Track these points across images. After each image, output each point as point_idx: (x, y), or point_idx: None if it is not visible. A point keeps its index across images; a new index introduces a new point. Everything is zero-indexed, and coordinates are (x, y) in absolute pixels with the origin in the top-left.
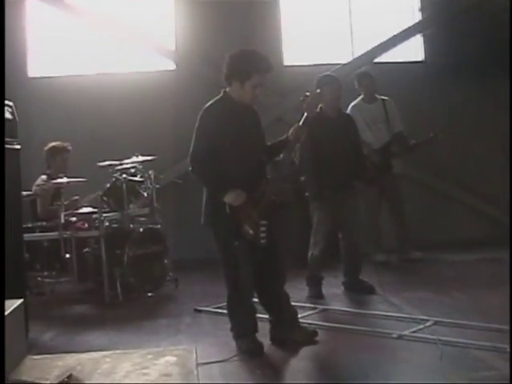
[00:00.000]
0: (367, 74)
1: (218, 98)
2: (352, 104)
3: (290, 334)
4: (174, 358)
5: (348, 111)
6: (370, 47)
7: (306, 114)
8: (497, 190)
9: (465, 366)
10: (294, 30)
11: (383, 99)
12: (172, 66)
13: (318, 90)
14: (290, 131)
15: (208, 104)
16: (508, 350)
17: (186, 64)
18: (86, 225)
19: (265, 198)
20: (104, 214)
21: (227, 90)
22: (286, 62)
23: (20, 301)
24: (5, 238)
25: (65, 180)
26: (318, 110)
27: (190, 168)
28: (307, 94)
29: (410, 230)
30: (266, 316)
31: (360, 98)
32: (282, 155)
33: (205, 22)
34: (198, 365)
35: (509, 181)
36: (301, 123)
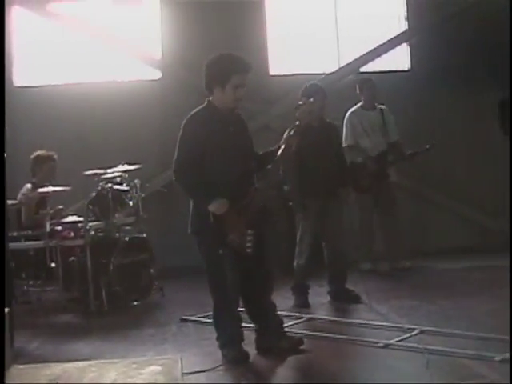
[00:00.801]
0: (370, 80)
1: (202, 106)
2: (351, 110)
3: (275, 343)
4: (160, 368)
5: (346, 117)
6: (355, 56)
7: (297, 123)
8: (484, 198)
9: (451, 375)
10: (280, 39)
11: (381, 108)
12: (158, 75)
13: (312, 99)
14: (282, 140)
15: (192, 112)
16: (496, 358)
17: (172, 72)
18: (72, 233)
19: (252, 206)
20: (90, 223)
21: (210, 98)
22: (272, 72)
23: (6, 310)
24: None
25: (50, 189)
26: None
27: (174, 177)
28: (300, 102)
29: (401, 239)
30: (252, 325)
31: (359, 104)
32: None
33: (191, 30)
34: (183, 374)
35: (508, 184)
36: (292, 132)
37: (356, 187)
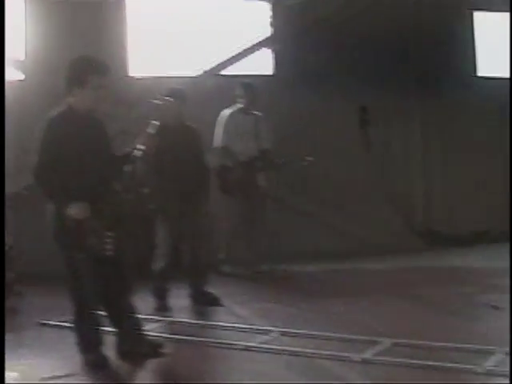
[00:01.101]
0: (252, 85)
1: (60, 109)
2: (227, 112)
3: (135, 347)
4: (16, 374)
5: (221, 118)
6: (219, 60)
7: (155, 123)
8: (343, 202)
9: (310, 376)
10: (141, 41)
11: (256, 114)
12: (21, 76)
13: (171, 99)
14: (140, 140)
15: (50, 115)
16: (355, 359)
17: (34, 74)
18: None
19: (110, 209)
20: None
21: (69, 100)
22: (132, 73)
23: None
24: None
25: None
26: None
27: (34, 180)
28: (159, 103)
29: (263, 243)
30: (112, 329)
31: (237, 107)
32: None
33: (54, 30)
34: (41, 379)
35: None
36: (153, 132)
37: (224, 190)
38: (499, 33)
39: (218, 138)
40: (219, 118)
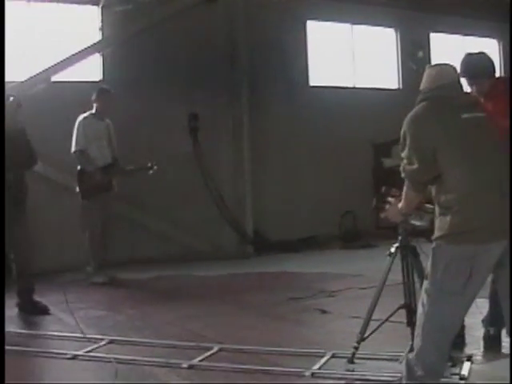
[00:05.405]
0: (108, 91)
1: None
2: (83, 116)
3: None
4: None
5: (79, 122)
6: (48, 65)
7: None
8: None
9: (138, 383)
10: None
11: (108, 121)
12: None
13: (11, 99)
14: None
15: None
16: (183, 365)
17: None
18: None
19: None
20: None
21: None
22: None
23: None
24: None
25: None
26: None
27: None
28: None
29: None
30: None
31: (91, 112)
32: None
33: None
34: None
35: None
36: None
37: (83, 195)
38: (331, 42)
39: (74, 141)
40: (76, 123)
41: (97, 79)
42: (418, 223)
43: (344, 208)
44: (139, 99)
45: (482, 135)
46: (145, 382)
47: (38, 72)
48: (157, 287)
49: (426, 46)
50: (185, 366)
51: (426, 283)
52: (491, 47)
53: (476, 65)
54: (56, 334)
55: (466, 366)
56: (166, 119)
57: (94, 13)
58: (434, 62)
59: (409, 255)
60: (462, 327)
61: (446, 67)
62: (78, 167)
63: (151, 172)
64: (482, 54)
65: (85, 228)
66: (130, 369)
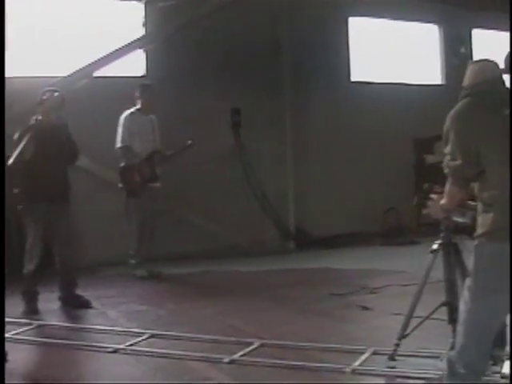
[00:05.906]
0: (150, 86)
1: None
2: (127, 112)
3: None
4: None
5: (123, 118)
6: (91, 60)
7: (38, 118)
8: (217, 208)
9: (180, 378)
10: (19, 39)
11: (152, 116)
12: None
13: (56, 94)
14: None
15: None
16: (224, 360)
17: None
18: None
19: None
20: None
21: None
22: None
23: None
24: None
25: None
26: (37, 119)
27: None
28: (44, 97)
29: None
30: None
31: (136, 108)
32: None
33: None
34: None
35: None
36: (27, 138)
37: (129, 193)
38: (372, 38)
39: (120, 138)
40: (120, 119)
41: (139, 75)
42: (460, 220)
43: (386, 205)
44: (182, 95)
45: None
46: (185, 376)
47: (80, 67)
48: (198, 282)
49: (468, 42)
50: (226, 360)
51: (468, 281)
52: None
53: None
54: (98, 327)
55: (507, 364)
56: (208, 114)
57: (137, 8)
58: (476, 58)
59: (451, 252)
60: (504, 325)
61: (488, 63)
62: (122, 163)
63: (194, 148)
64: None
65: (132, 221)
66: (170, 363)
